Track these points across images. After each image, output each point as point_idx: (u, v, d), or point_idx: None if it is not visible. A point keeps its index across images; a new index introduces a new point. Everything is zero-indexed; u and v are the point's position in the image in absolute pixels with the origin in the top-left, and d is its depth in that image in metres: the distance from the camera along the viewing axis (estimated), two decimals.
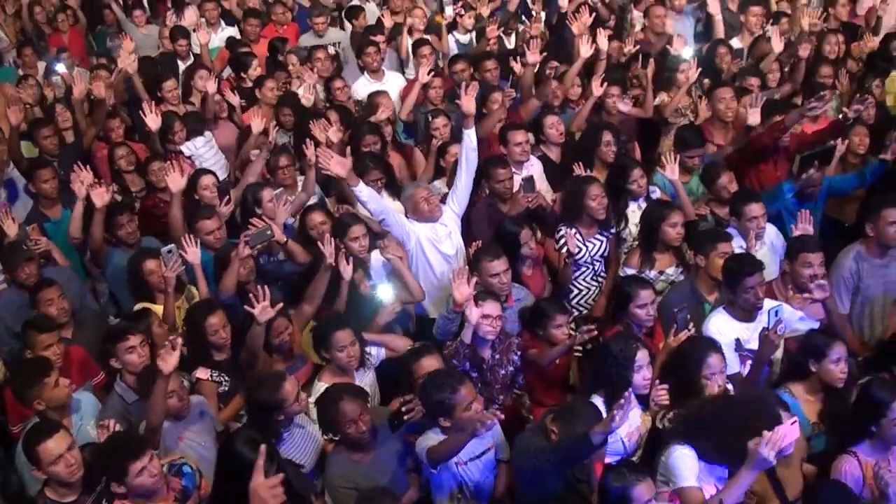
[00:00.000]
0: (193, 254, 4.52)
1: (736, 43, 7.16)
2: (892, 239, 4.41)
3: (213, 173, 5.52)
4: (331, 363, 4.07)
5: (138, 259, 4.64)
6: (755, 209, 4.57)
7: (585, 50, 6.07)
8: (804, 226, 4.51)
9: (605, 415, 3.23)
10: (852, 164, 5.51)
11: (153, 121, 5.77)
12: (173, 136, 5.99)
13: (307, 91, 6.19)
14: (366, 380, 4.15)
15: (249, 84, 6.91)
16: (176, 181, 4.94)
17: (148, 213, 5.42)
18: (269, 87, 6.62)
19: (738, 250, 4.37)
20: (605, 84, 5.90)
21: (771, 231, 4.81)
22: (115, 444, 3.31)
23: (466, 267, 4.30)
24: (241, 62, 7.16)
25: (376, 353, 4.28)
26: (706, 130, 5.77)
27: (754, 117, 5.46)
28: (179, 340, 3.56)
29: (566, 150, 5.71)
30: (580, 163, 5.26)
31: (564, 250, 4.73)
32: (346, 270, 4.36)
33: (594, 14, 6.76)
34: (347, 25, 8.21)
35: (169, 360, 3.45)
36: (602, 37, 6.27)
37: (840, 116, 5.35)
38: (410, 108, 6.40)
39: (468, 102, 4.88)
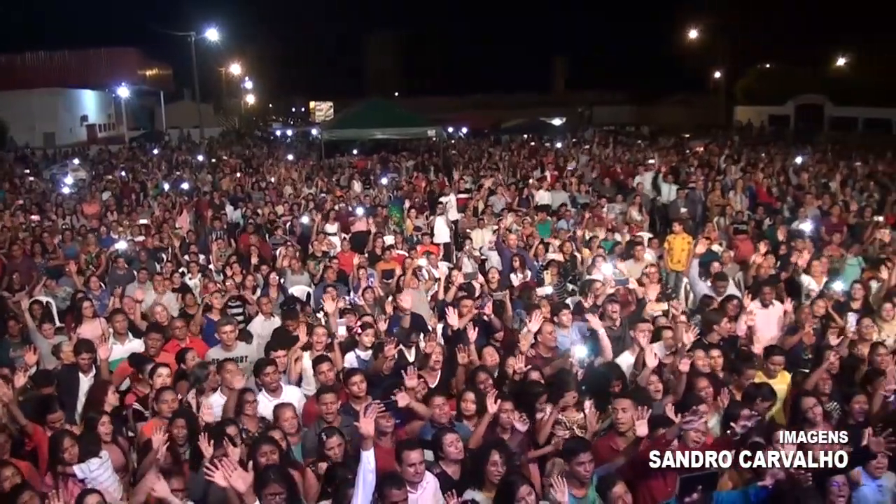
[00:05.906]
0: None
1: (627, 357, 7.66)
2: None
3: (100, 493, 5.19)
4: None
5: None
6: None
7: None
8: None
9: None
10: (742, 476, 5.65)
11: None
12: (63, 453, 5.70)
13: (207, 406, 6.20)
14: None
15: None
16: None
17: None
18: (168, 398, 6.51)
19: None
20: (499, 401, 6.09)
21: None
22: None
23: None
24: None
25: None
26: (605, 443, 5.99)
27: (642, 429, 5.68)
28: None
29: (464, 466, 5.73)
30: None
31: None
32: None
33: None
34: (255, 341, 8.48)
35: None
36: (490, 353, 6.64)
37: (728, 432, 5.61)
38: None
39: (367, 424, 4.97)
